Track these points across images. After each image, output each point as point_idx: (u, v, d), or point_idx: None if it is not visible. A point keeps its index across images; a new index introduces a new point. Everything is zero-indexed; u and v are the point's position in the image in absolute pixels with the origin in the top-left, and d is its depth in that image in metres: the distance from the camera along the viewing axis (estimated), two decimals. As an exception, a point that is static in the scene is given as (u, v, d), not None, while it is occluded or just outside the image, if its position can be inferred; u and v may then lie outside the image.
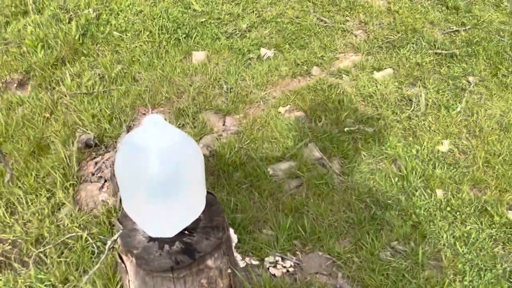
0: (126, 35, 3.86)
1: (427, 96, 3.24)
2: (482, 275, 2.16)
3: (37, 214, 2.48)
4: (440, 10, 4.28)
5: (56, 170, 2.66)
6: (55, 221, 2.44)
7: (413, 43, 3.80)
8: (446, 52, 3.71)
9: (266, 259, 2.20)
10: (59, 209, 2.53)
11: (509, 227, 2.36)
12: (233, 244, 1.96)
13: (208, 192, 1.73)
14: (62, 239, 2.35)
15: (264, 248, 2.26)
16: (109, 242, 1.85)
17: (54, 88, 3.34)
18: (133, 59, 3.58)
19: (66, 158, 2.72)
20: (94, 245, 2.31)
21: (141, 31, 3.89)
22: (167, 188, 1.51)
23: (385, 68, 3.54)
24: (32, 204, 2.52)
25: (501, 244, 2.31)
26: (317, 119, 3.02)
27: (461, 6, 4.29)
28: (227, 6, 4.27)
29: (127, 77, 3.38)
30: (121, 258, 1.73)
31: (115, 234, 2.20)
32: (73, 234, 2.37)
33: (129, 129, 2.94)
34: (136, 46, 3.73)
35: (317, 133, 2.89)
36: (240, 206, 2.45)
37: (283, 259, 2.22)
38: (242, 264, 2.13)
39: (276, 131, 2.89)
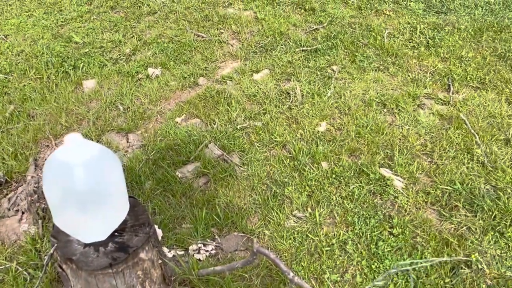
0: (11, 75, 3.93)
1: (301, 88, 3.72)
2: (368, 222, 2.63)
3: (-42, 257, 2.54)
4: (299, 13, 4.84)
5: (-31, 213, 2.73)
6: (-21, 260, 2.52)
7: (282, 45, 4.29)
8: (310, 48, 4.24)
9: (190, 247, 2.49)
10: (-19, 248, 2.60)
11: (382, 181, 2.86)
12: (159, 238, 2.22)
13: (129, 196, 1.98)
14: (-10, 274, 2.44)
15: (186, 239, 2.54)
16: (46, 258, 2.03)
17: None
18: (24, 97, 3.67)
19: (-23, 200, 2.79)
20: (25, 272, 2.44)
21: (26, 69, 3.97)
22: (94, 197, 1.72)
23: (262, 70, 3.97)
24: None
25: (379, 195, 2.80)
26: (212, 122, 3.36)
27: (316, 7, 4.89)
28: (107, 34, 4.48)
29: (22, 115, 3.47)
30: (61, 268, 1.92)
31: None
32: (1, 267, 2.47)
33: (35, 162, 3.05)
34: (25, 85, 3.81)
35: (214, 134, 3.22)
36: (158, 210, 2.71)
37: (204, 245, 2.52)
38: (170, 255, 2.39)
39: (177, 138, 3.18)
